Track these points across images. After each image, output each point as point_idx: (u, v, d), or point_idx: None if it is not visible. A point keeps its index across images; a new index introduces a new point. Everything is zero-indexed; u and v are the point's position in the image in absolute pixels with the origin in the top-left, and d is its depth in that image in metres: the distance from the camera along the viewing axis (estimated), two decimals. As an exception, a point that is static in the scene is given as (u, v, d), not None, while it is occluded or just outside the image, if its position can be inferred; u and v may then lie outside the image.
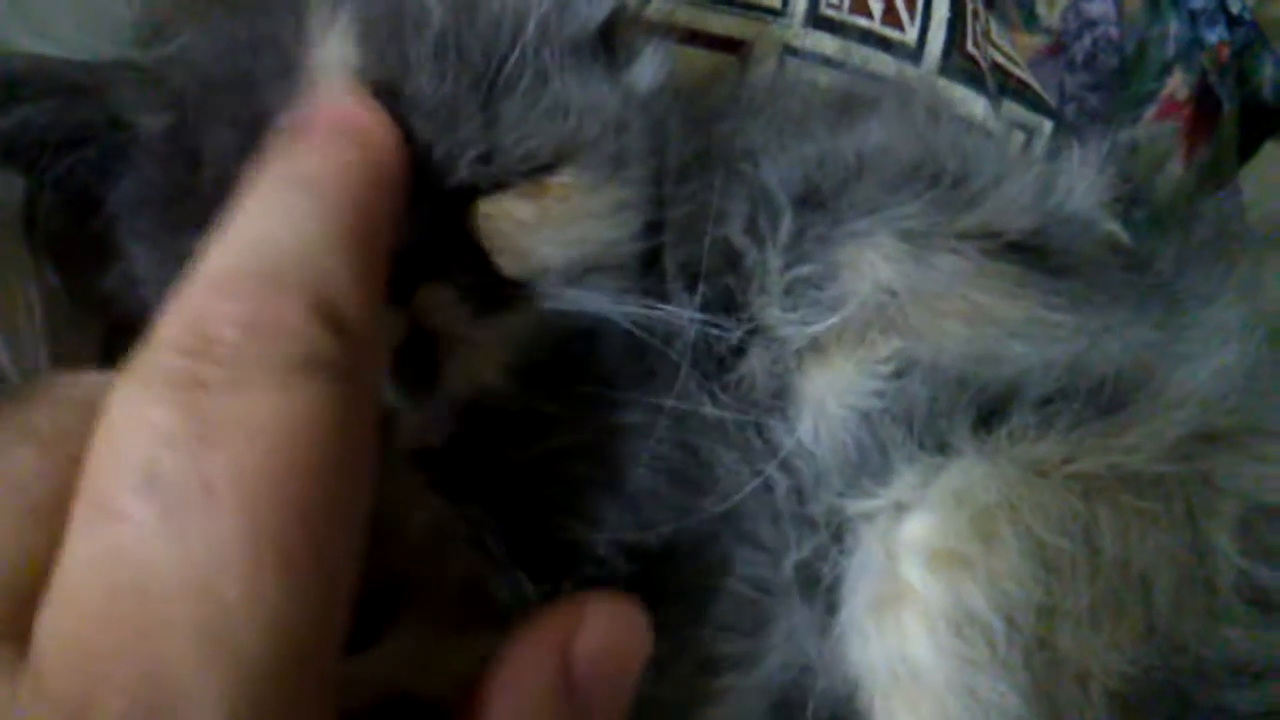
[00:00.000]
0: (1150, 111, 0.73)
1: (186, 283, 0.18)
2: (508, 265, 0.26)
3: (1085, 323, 0.26)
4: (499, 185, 0.26)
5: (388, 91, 0.25)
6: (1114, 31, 0.70)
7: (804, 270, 0.28)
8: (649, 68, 0.31)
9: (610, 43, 0.31)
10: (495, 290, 0.26)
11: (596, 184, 0.27)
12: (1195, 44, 0.73)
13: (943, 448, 0.25)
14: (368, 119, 0.21)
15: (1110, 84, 0.72)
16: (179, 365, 0.17)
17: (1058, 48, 0.70)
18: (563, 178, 0.27)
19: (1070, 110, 0.72)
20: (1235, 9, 0.78)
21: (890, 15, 0.39)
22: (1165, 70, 0.72)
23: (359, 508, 0.17)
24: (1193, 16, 0.74)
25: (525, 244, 0.26)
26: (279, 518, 0.16)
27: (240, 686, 0.15)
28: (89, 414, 0.17)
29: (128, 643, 0.15)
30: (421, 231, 0.25)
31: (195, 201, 0.26)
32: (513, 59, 0.27)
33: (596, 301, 0.27)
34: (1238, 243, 0.29)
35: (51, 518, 0.16)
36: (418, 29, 0.26)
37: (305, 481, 0.16)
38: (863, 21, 0.39)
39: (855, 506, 0.26)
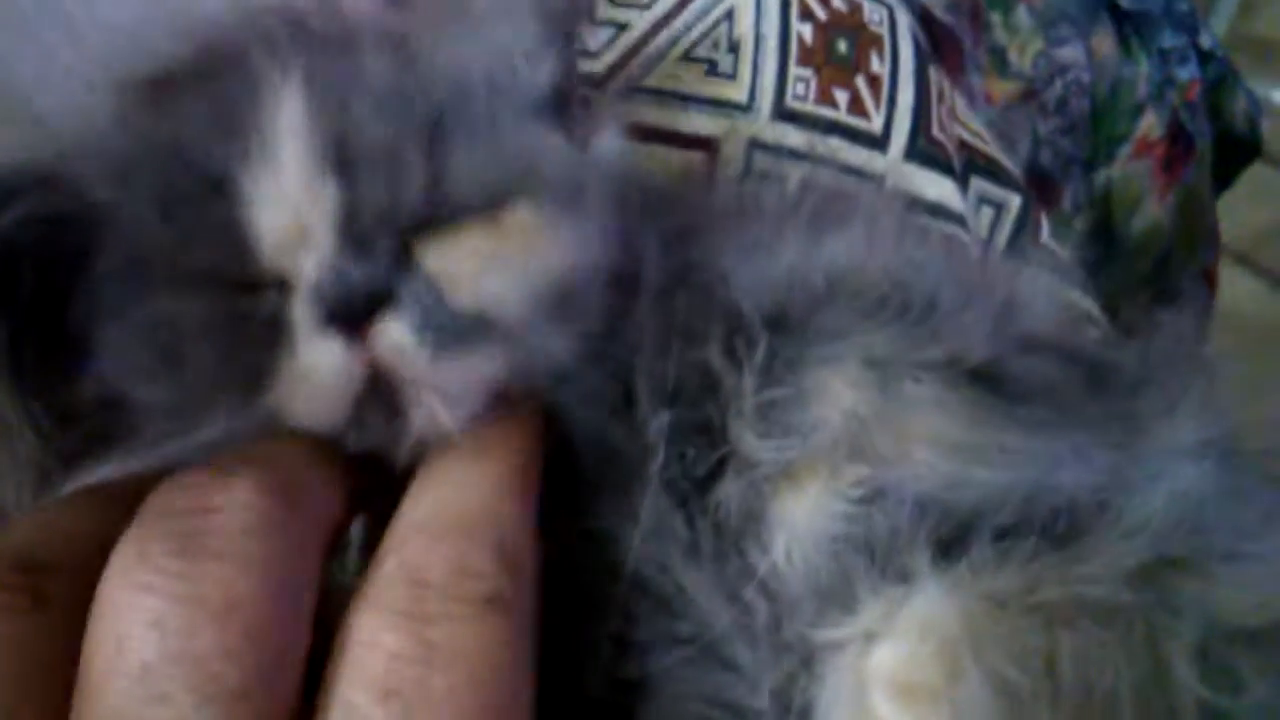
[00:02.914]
0: (1124, 152, 0.73)
1: (401, 528, 0.24)
2: (465, 298, 0.26)
3: (1044, 447, 0.27)
4: (452, 222, 0.27)
5: (336, 144, 0.26)
6: (1085, 76, 0.71)
7: (776, 394, 0.28)
8: (607, 148, 0.32)
9: (565, 115, 0.31)
10: (454, 330, 0.26)
11: (555, 220, 0.28)
12: (1167, 83, 0.74)
13: (906, 578, 0.26)
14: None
15: (1083, 127, 0.73)
16: (406, 596, 0.22)
17: (1030, 94, 0.71)
18: (519, 213, 0.27)
19: (1045, 155, 0.73)
20: (1206, 44, 0.79)
21: (856, 104, 0.40)
22: (1138, 111, 0.73)
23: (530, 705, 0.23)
24: (1163, 55, 0.75)
25: (482, 277, 0.27)
26: None
27: None
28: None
29: None
30: (372, 274, 0.26)
31: (151, 268, 0.26)
32: (459, 107, 0.28)
33: (562, 346, 0.27)
34: (1195, 358, 0.30)
35: None
36: (360, 83, 0.27)
37: (498, 692, 0.22)
38: (829, 112, 0.40)
39: (824, 635, 0.26)
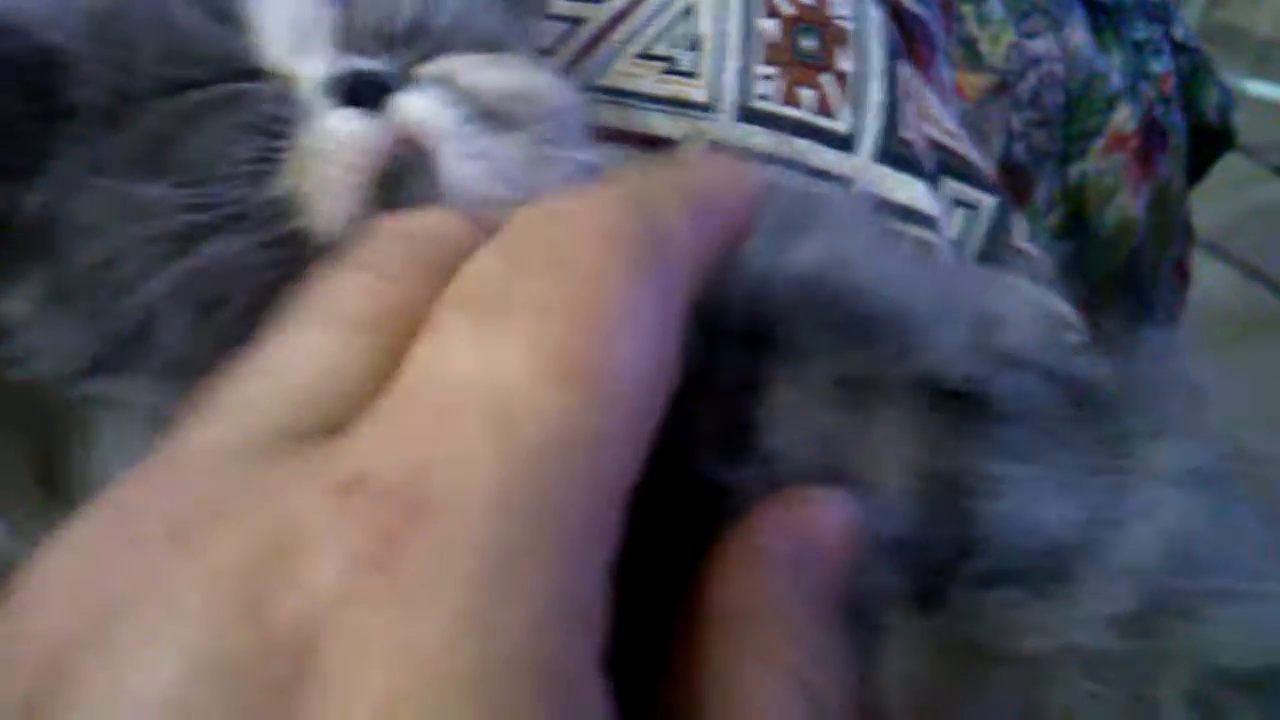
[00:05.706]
0: (1098, 145, 0.72)
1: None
2: (469, 86, 0.26)
3: (1029, 475, 0.25)
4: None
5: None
6: (1058, 68, 0.69)
7: (742, 419, 0.26)
8: None
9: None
10: (475, 106, 0.26)
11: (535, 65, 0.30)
12: (1141, 76, 0.73)
13: (880, 626, 0.24)
14: None
15: (1057, 120, 0.71)
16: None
17: (1002, 86, 0.69)
18: (505, 56, 0.29)
19: (1019, 149, 0.71)
20: (1180, 35, 0.78)
21: (823, 104, 0.38)
22: (1111, 104, 0.71)
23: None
24: (1137, 47, 0.73)
25: (480, 72, 0.27)
26: (568, 330, 0.17)
27: (514, 465, 0.16)
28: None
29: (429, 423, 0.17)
30: (379, 70, 0.26)
31: (136, 93, 0.26)
32: None
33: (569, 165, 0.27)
34: (1183, 377, 0.28)
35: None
36: None
37: (601, 315, 0.18)
38: (795, 113, 0.37)
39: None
